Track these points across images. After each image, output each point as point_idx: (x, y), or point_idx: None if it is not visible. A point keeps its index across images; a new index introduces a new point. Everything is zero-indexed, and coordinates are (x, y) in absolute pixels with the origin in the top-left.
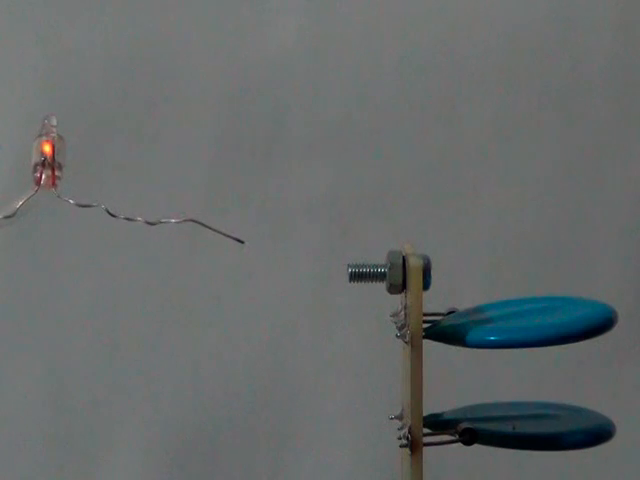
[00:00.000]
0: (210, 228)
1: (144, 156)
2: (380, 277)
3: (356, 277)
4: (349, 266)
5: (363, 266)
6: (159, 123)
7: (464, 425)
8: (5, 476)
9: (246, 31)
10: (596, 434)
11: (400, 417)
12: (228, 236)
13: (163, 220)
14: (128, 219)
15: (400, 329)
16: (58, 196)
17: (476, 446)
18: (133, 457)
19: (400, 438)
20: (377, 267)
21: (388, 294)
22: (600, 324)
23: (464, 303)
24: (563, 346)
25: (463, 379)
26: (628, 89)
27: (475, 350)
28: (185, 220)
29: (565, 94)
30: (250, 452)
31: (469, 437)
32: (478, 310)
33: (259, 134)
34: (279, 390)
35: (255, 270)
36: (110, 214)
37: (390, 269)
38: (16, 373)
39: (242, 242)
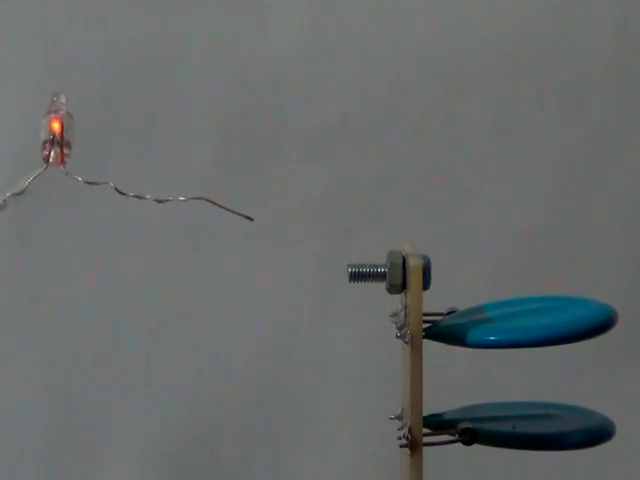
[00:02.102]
0: (220, 206)
1: (142, 156)
2: (380, 277)
3: (356, 277)
4: (349, 266)
5: (363, 266)
6: (157, 124)
7: (464, 425)
8: (5, 476)
9: (246, 30)
10: (596, 434)
11: (400, 417)
12: (238, 214)
13: (172, 198)
14: (137, 197)
15: (400, 329)
16: (67, 173)
17: (476, 446)
18: (133, 457)
19: (400, 438)
20: (377, 267)
21: (388, 294)
22: (600, 324)
23: (464, 303)
24: (563, 346)
25: (463, 379)
26: (628, 89)
27: (475, 350)
28: (194, 198)
29: (565, 93)
30: (250, 452)
31: (469, 437)
32: (478, 310)
33: (259, 134)
34: (279, 390)
35: (255, 270)
36: (119, 192)
37: (390, 269)
38: (15, 372)
39: (252, 219)
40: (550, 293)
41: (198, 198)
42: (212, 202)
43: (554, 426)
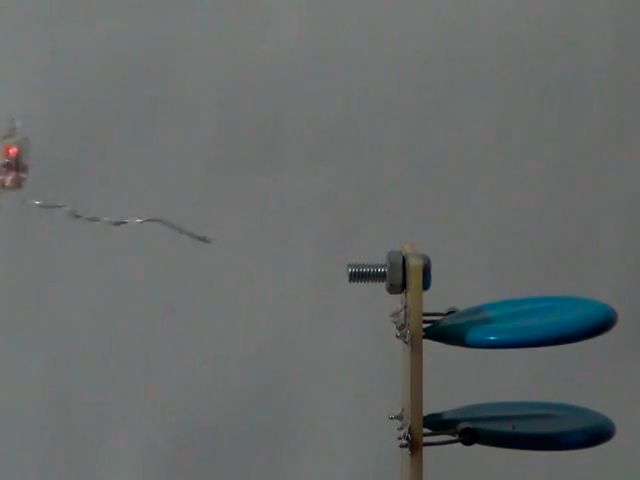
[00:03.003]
0: (174, 228)
1: (142, 156)
2: (380, 277)
3: (356, 277)
4: (349, 266)
5: (363, 266)
6: (157, 123)
7: (464, 425)
8: (5, 476)
9: (246, 31)
10: (596, 434)
11: (400, 417)
12: (193, 235)
13: (127, 220)
14: (93, 219)
15: (400, 329)
16: (24, 201)
17: (476, 446)
18: (133, 457)
19: (400, 438)
20: (377, 267)
21: (388, 294)
22: (600, 324)
23: (464, 303)
24: (563, 346)
25: (463, 379)
26: (628, 89)
27: (475, 350)
28: (149, 220)
29: (565, 94)
30: (250, 452)
31: (469, 437)
32: (478, 310)
33: (259, 134)
34: (279, 390)
35: (255, 270)
36: (74, 215)
37: (390, 269)
38: (15, 372)
39: (209, 241)
40: (550, 293)
41: (153, 220)
42: (167, 224)
43: (554, 426)
